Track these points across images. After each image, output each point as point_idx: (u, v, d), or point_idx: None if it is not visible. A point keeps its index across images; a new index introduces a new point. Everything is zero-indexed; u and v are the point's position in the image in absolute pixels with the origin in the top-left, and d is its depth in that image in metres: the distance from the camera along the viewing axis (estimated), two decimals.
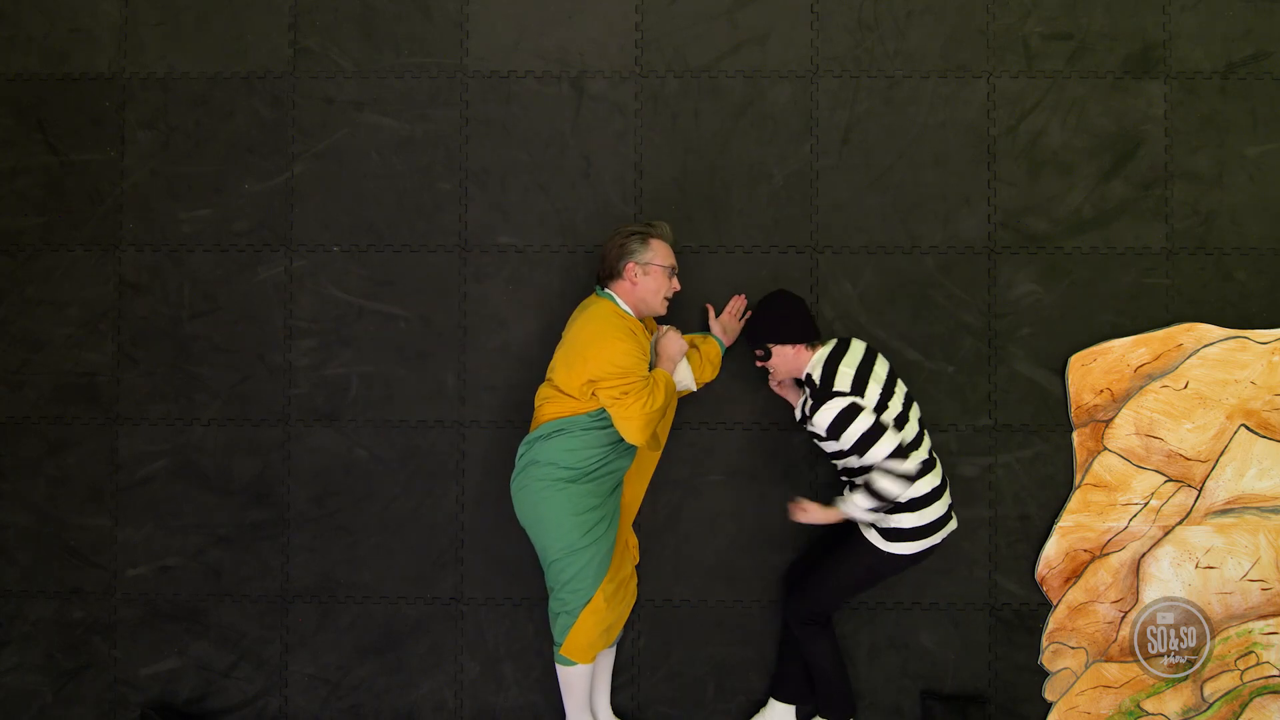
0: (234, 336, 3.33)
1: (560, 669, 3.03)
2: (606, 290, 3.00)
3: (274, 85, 3.35)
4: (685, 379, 3.03)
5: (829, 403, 2.86)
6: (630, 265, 2.96)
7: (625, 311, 2.95)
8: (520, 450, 3.00)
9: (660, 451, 3.18)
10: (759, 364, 3.08)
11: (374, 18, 3.34)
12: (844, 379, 2.88)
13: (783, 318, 3.00)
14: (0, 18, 3.36)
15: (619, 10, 3.34)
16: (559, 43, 3.33)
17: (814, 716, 3.17)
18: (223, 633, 3.33)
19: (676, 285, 3.03)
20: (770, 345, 3.00)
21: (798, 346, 2.99)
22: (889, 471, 2.81)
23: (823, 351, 2.98)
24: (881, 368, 2.96)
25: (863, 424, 2.83)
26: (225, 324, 3.33)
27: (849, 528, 3.06)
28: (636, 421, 2.82)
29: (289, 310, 3.33)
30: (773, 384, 3.21)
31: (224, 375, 3.33)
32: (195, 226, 3.34)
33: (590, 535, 2.89)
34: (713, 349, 3.16)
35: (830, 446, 2.96)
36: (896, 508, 2.90)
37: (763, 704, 3.27)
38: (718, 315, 3.23)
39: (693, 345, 3.13)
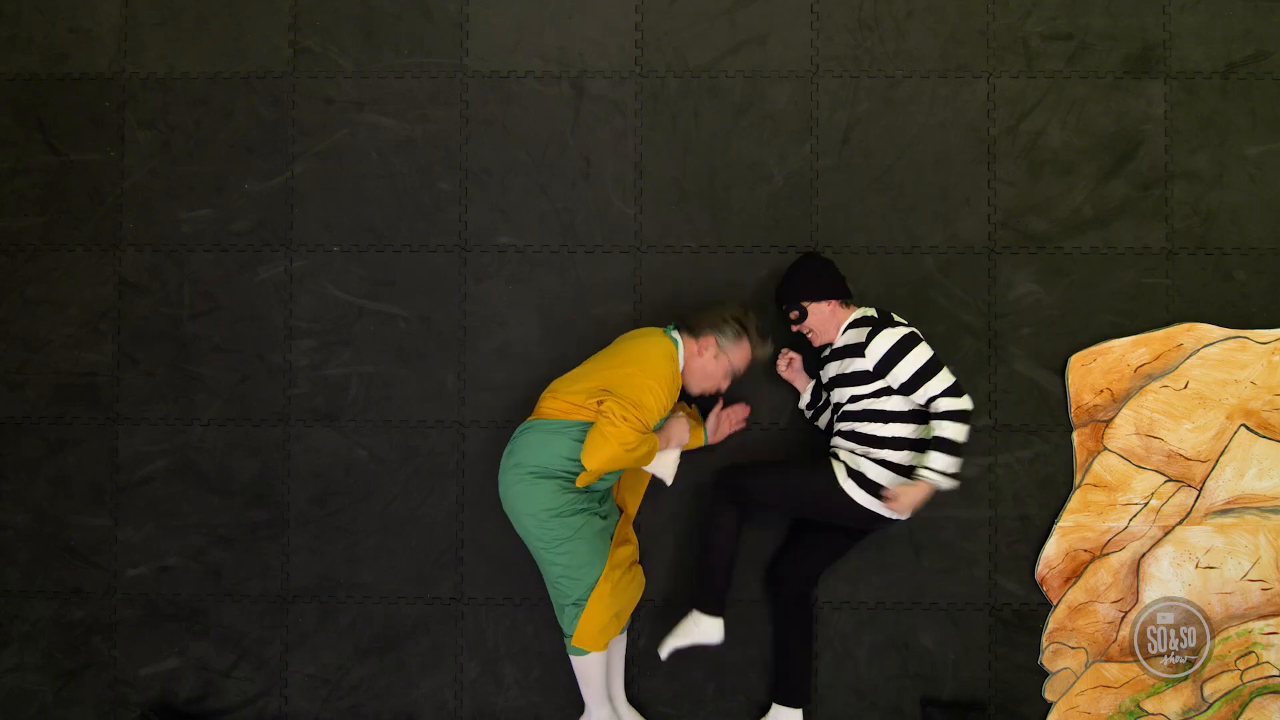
0: (234, 336, 3.33)
1: (575, 660, 3.02)
2: (676, 335, 2.99)
3: (274, 85, 3.35)
4: (666, 470, 3.03)
5: (886, 330, 2.82)
6: (711, 339, 2.96)
7: (679, 366, 2.94)
8: (515, 437, 3.01)
9: (631, 522, 3.20)
10: (794, 328, 3.05)
11: (374, 18, 3.35)
12: (900, 323, 2.88)
13: (816, 275, 2.99)
14: (0, 18, 3.37)
15: (619, 10, 3.34)
16: (559, 43, 3.34)
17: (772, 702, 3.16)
18: (223, 633, 3.33)
19: (724, 387, 3.03)
20: (806, 304, 2.98)
21: (833, 303, 2.98)
22: (952, 413, 2.77)
23: (864, 308, 2.96)
24: None
25: (921, 354, 2.81)
26: (225, 324, 3.33)
27: (823, 459, 3.02)
28: (610, 449, 2.77)
29: (289, 310, 3.33)
30: (781, 367, 3.20)
31: (224, 375, 3.33)
32: (195, 226, 3.34)
33: (568, 526, 2.88)
34: (696, 438, 3.15)
35: (863, 390, 2.89)
36: (877, 444, 2.88)
37: (765, 707, 3.27)
38: (724, 407, 3.22)
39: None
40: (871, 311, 2.96)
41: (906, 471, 2.90)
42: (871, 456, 2.91)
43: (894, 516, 2.92)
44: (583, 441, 2.85)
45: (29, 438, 3.33)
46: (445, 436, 3.32)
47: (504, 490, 2.96)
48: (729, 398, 3.22)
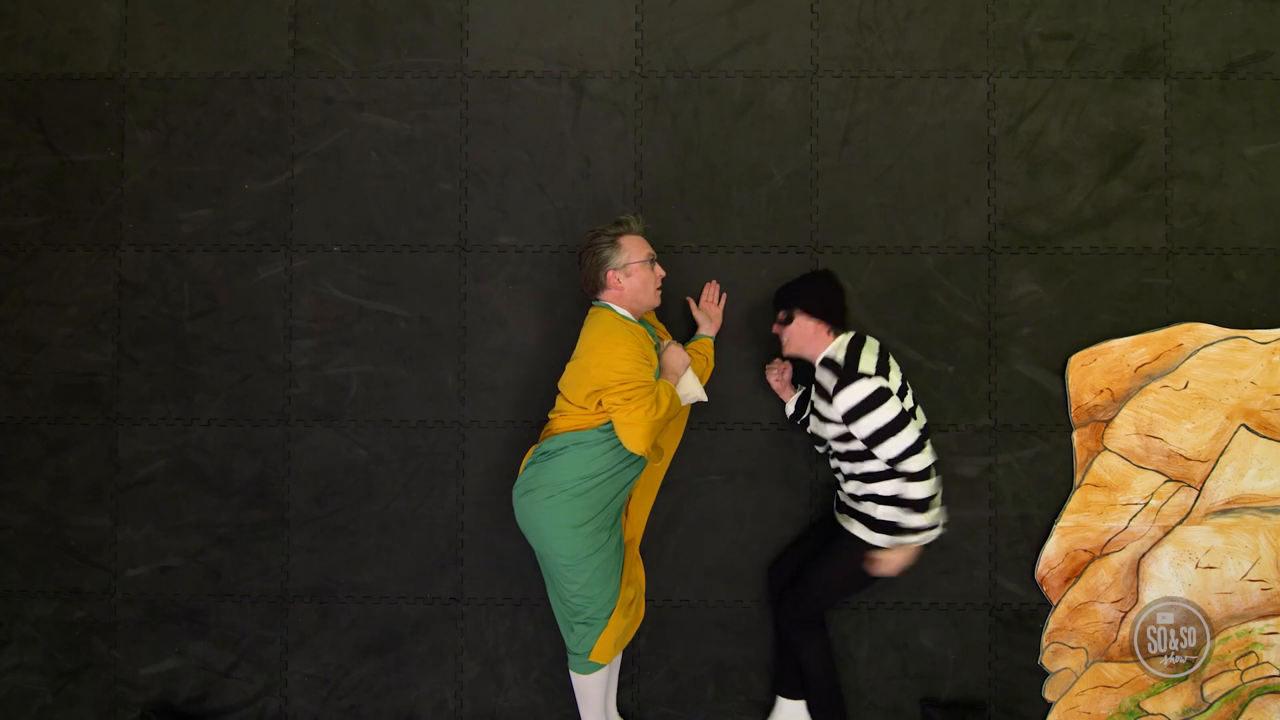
0: (234, 336, 3.33)
1: (578, 679, 3.01)
2: (600, 300, 2.99)
3: (274, 85, 3.35)
4: (694, 390, 3.00)
5: (856, 384, 2.80)
6: (610, 274, 2.94)
7: (624, 317, 2.94)
8: (528, 460, 2.98)
9: (666, 465, 3.18)
10: (775, 328, 3.06)
11: (374, 18, 3.35)
12: (868, 364, 2.85)
13: (822, 293, 2.99)
14: (0, 18, 3.37)
15: (619, 10, 3.34)
16: (559, 43, 3.34)
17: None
18: (223, 633, 3.33)
19: (661, 272, 3.01)
20: (796, 312, 2.99)
21: (820, 325, 2.98)
22: (915, 474, 2.79)
23: (844, 338, 2.96)
24: (896, 369, 2.94)
25: (888, 412, 2.78)
26: (225, 324, 3.33)
27: (835, 525, 3.06)
28: (640, 428, 2.79)
29: (289, 310, 3.33)
30: (770, 378, 3.21)
31: (224, 375, 3.33)
32: (195, 226, 3.34)
33: (593, 542, 2.88)
34: (705, 346, 3.18)
35: (836, 433, 2.92)
36: (896, 503, 2.87)
37: (769, 705, 3.28)
38: (698, 304, 3.25)
39: (693, 352, 3.14)
40: (843, 350, 2.91)
41: (923, 506, 2.86)
42: (874, 495, 2.90)
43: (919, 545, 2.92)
44: (599, 450, 2.87)
45: (29, 438, 3.33)
46: (445, 436, 3.32)
47: (529, 510, 2.92)
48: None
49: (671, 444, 3.17)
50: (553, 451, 2.90)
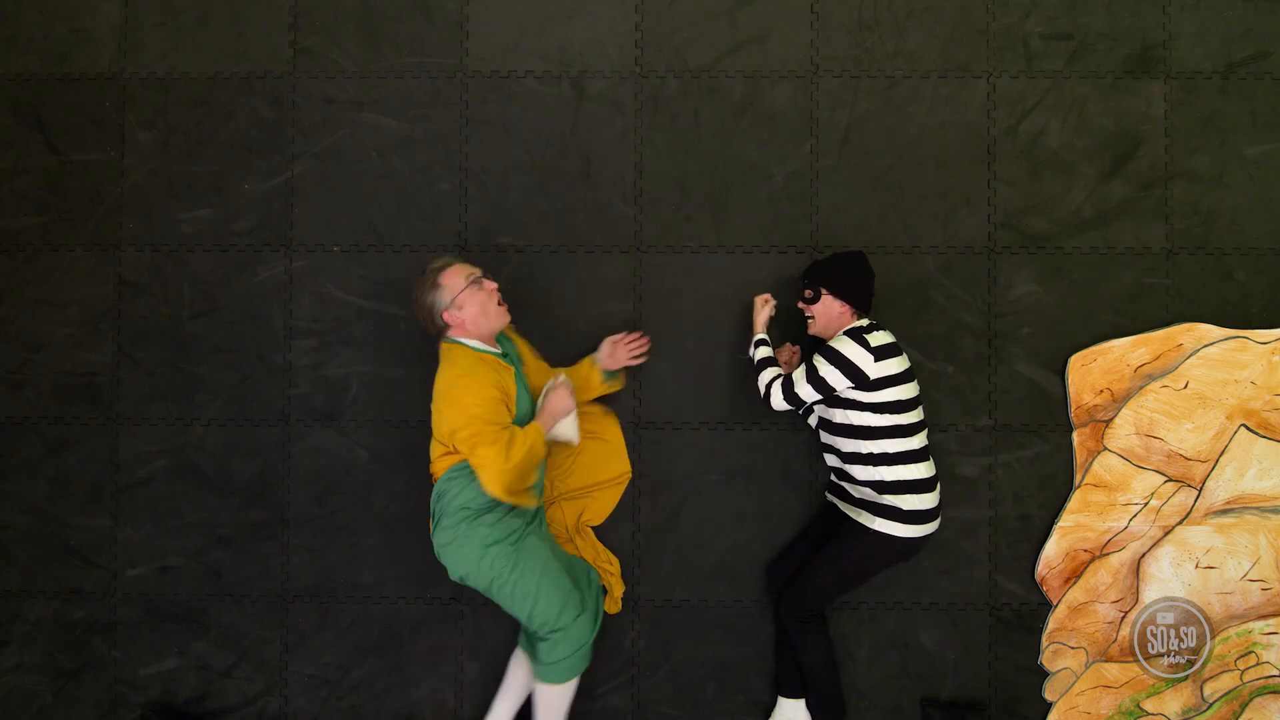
0: (234, 336, 3.33)
1: (547, 691, 2.93)
2: (450, 337, 2.91)
3: (274, 85, 3.35)
4: (566, 433, 2.92)
5: (846, 343, 2.86)
6: (445, 315, 2.87)
7: (474, 348, 2.87)
8: (431, 506, 2.91)
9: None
10: (800, 304, 3.08)
11: (374, 18, 3.35)
12: (879, 338, 2.87)
13: (854, 275, 3.00)
14: (0, 18, 3.37)
15: (619, 10, 3.34)
16: (559, 43, 3.34)
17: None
18: (223, 633, 3.33)
19: (492, 285, 2.92)
20: (824, 290, 3.00)
21: (846, 307, 3.00)
22: (782, 387, 2.94)
23: (864, 321, 2.98)
24: (906, 360, 2.95)
25: (827, 370, 2.86)
26: (225, 324, 3.33)
27: (839, 522, 3.06)
28: (488, 472, 2.69)
29: (289, 310, 3.33)
30: (781, 359, 3.21)
31: (224, 375, 3.33)
32: (195, 226, 3.34)
33: (516, 553, 2.83)
34: (592, 385, 3.14)
35: (832, 402, 2.96)
36: (894, 489, 2.88)
37: (769, 705, 3.28)
38: (620, 344, 3.19)
39: (573, 374, 3.11)
40: (867, 321, 2.97)
41: (924, 486, 2.90)
42: (873, 482, 2.92)
43: (920, 535, 2.93)
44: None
45: (29, 438, 3.33)
46: None
47: (443, 548, 2.86)
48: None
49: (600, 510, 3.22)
50: (446, 486, 2.85)
